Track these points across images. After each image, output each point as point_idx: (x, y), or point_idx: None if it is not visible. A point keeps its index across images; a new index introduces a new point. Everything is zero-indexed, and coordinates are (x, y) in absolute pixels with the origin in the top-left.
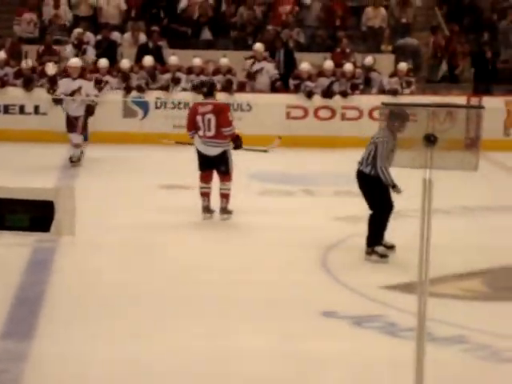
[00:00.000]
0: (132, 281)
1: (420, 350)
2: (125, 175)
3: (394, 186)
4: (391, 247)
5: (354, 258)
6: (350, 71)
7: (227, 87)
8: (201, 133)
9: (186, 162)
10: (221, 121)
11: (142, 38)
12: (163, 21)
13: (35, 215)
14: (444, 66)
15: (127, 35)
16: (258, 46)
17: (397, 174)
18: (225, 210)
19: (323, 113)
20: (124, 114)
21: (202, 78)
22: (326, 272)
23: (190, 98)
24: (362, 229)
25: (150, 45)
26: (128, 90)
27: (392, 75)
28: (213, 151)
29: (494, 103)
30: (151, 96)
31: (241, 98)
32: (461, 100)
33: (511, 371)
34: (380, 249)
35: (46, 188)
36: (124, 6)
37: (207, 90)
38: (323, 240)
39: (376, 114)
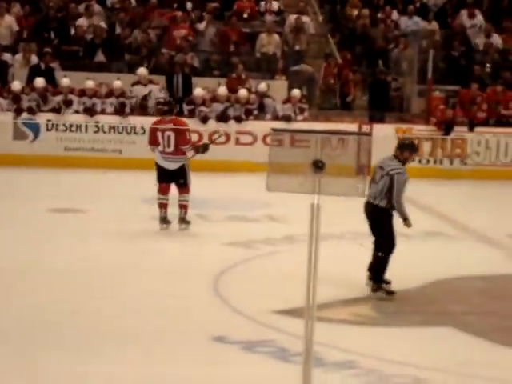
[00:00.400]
0: (15, 304)
1: (307, 375)
2: (14, 199)
3: (406, 219)
4: (389, 282)
5: (246, 283)
6: (245, 97)
7: (120, 110)
8: (160, 148)
9: (77, 185)
10: (179, 139)
11: (34, 59)
12: (54, 42)
13: None
14: (337, 94)
15: (18, 56)
16: (141, 70)
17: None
18: (183, 220)
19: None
20: (14, 135)
21: (95, 100)
22: (218, 297)
23: (83, 120)
24: (254, 254)
25: (42, 66)
26: (18, 111)
27: (285, 101)
28: (172, 166)
29: (385, 131)
30: (42, 118)
31: (135, 120)
32: (353, 127)
33: None
34: (385, 285)
35: None
36: (16, 27)
37: (168, 108)
38: (215, 265)
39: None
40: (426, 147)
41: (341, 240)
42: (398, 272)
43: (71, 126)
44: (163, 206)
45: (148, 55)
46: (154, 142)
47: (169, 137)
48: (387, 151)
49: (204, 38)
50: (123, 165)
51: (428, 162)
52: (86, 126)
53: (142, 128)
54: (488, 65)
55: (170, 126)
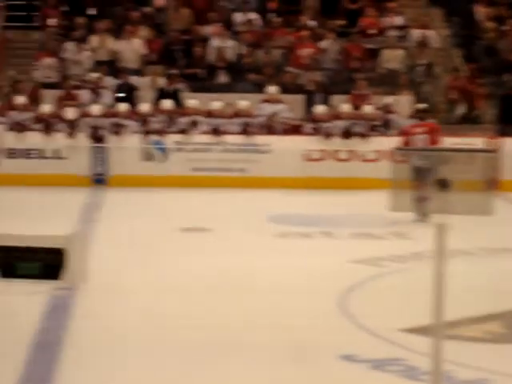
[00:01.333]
0: (147, 324)
1: None
2: (145, 218)
3: None
4: None
5: (373, 301)
6: (370, 113)
7: (245, 130)
8: None
9: (205, 204)
10: (433, 138)
11: (161, 81)
12: (180, 64)
13: (46, 263)
14: (462, 107)
15: (146, 79)
16: (272, 88)
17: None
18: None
19: (342, 155)
20: (143, 157)
21: (221, 120)
22: (345, 315)
23: (209, 140)
24: (380, 271)
25: (169, 88)
26: (147, 133)
27: (410, 117)
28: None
29: None
30: (170, 139)
31: (259, 140)
32: (479, 142)
33: None
34: None
35: (56, 235)
36: (143, 50)
37: (422, 115)
38: (342, 283)
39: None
40: None
41: (469, 256)
42: None
43: (198, 146)
44: (422, 199)
45: (273, 75)
46: (404, 145)
47: (422, 139)
48: None
49: (327, 56)
50: (248, 184)
51: None
52: (213, 146)
53: (267, 147)
54: None
55: (424, 129)
